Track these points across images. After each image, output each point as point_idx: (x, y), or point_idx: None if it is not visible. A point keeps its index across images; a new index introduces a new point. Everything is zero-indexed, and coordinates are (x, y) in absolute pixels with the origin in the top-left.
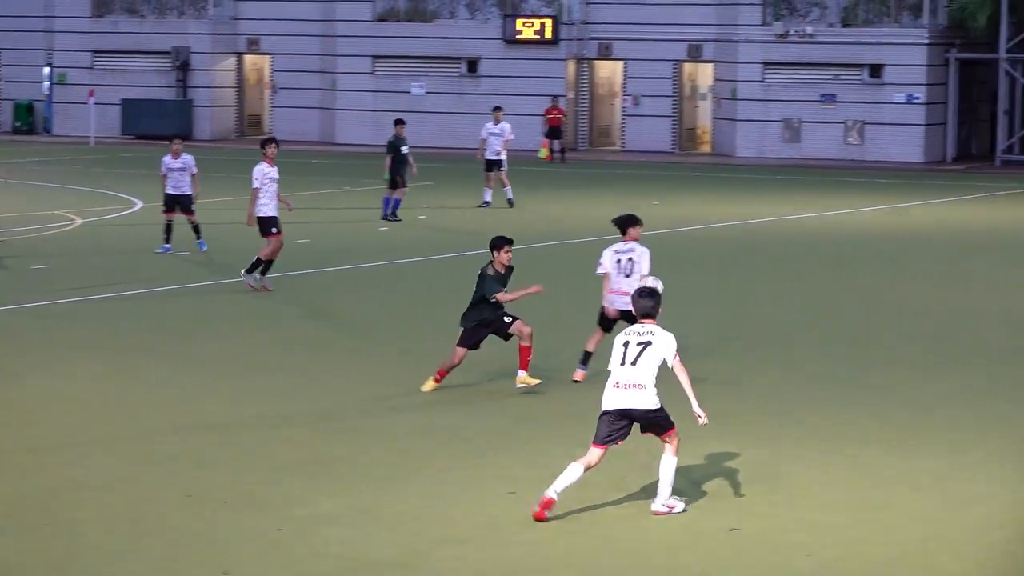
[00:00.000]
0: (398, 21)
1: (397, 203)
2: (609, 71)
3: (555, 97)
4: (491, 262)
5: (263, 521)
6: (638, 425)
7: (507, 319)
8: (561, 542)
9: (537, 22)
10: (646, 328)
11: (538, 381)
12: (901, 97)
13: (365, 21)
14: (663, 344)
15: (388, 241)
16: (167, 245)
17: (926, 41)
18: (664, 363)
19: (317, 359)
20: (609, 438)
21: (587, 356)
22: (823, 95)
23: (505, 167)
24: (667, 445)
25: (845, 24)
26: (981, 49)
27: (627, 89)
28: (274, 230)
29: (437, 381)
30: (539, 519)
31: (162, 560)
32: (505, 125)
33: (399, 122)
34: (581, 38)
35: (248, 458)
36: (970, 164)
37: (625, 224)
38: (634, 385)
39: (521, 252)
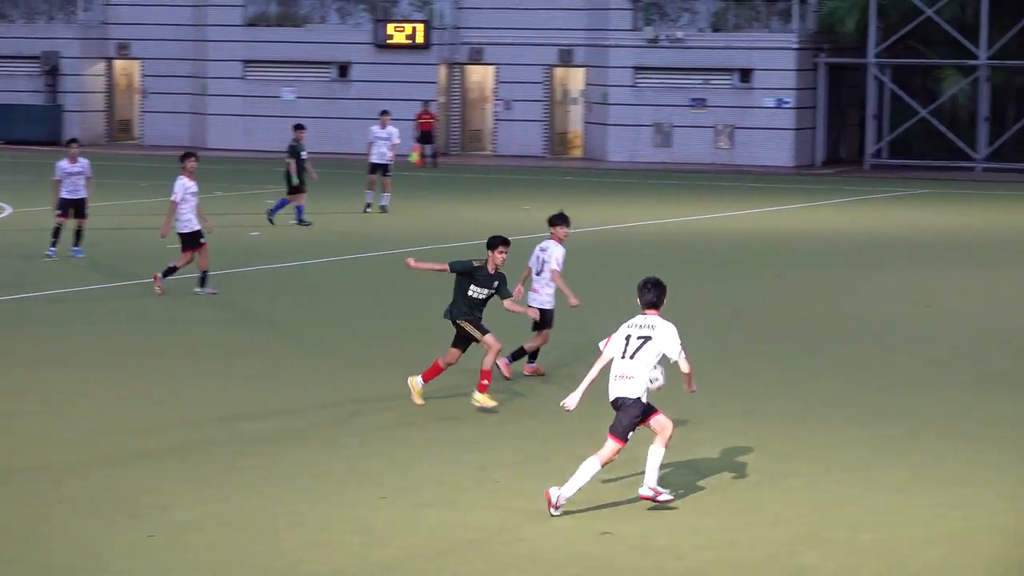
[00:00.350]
0: (269, 26)
1: (300, 209)
2: (480, 76)
3: (426, 102)
4: (485, 261)
5: (135, 528)
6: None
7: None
8: (432, 546)
9: (408, 27)
10: (648, 320)
11: (422, 403)
12: (771, 101)
13: (236, 26)
14: (663, 339)
15: (260, 246)
16: (53, 249)
17: (795, 46)
18: (666, 357)
19: (190, 365)
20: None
21: (521, 352)
22: (693, 99)
23: (391, 173)
24: (657, 436)
25: (715, 29)
26: (850, 54)
27: (498, 94)
28: (202, 241)
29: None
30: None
31: (29, 566)
32: (392, 129)
33: (299, 127)
34: (452, 43)
35: (121, 465)
36: (839, 168)
37: (549, 223)
38: (625, 376)
39: (393, 257)
